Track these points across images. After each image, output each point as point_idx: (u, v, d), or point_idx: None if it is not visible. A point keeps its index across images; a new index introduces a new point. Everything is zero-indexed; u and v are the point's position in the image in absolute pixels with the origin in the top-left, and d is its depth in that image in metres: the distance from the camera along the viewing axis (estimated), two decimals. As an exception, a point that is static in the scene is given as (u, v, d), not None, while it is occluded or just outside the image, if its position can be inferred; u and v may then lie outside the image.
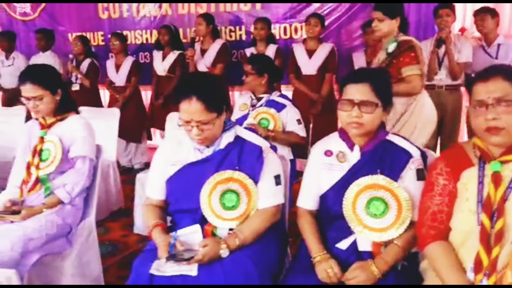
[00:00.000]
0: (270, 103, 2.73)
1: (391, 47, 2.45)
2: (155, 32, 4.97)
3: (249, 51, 4.10)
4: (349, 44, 4.24)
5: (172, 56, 4.37)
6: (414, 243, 1.42)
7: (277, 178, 1.60)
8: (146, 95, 4.94)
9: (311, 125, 3.13)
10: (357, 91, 1.42)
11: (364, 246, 1.45)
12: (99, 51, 5.06)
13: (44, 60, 4.74)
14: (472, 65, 3.43)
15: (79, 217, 2.17)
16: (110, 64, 4.63)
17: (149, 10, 4.97)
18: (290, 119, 2.70)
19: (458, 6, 3.67)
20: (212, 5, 4.64)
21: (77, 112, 2.23)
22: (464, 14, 3.90)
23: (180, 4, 4.80)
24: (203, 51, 4.20)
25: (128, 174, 4.38)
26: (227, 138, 1.61)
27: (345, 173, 1.51)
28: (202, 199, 1.55)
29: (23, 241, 1.83)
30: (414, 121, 2.43)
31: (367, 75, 1.46)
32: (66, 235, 2.07)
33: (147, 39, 5.06)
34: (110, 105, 4.69)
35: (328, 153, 1.55)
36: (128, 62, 4.52)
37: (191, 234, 1.54)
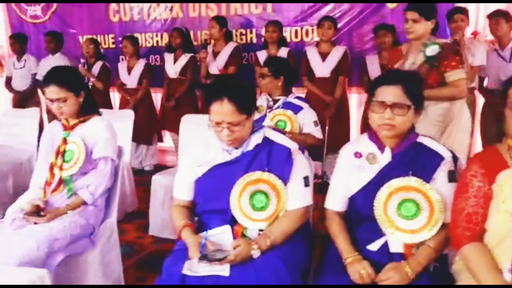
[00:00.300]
0: (287, 105, 2.74)
1: (432, 50, 2.34)
2: (165, 34, 4.99)
3: (260, 54, 4.12)
4: (360, 47, 4.25)
5: (184, 58, 4.39)
6: (446, 244, 1.43)
7: (306, 179, 1.61)
8: (156, 97, 4.96)
9: (326, 127, 3.15)
10: (390, 93, 1.43)
11: (395, 247, 1.45)
12: (109, 54, 5.09)
13: (54, 63, 4.75)
14: (486, 69, 3.44)
15: (101, 218, 2.18)
16: (122, 66, 4.65)
17: (160, 13, 4.99)
18: (307, 121, 2.71)
19: (470, 10, 3.69)
20: (223, 8, 4.66)
21: (99, 114, 2.24)
22: (476, 18, 3.91)
23: (191, 7, 4.82)
24: (216, 54, 4.22)
25: (138, 176, 4.39)
26: (256, 139, 1.62)
27: (375, 175, 1.51)
28: (232, 200, 1.56)
29: (48, 241, 1.84)
30: (455, 128, 2.37)
31: (399, 77, 1.47)
32: (89, 235, 2.08)
33: (157, 42, 5.08)
34: (121, 107, 4.71)
35: (357, 154, 1.56)
36: (140, 64, 4.55)
37: (221, 235, 1.55)
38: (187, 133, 3.37)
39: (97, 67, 4.67)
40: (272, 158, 1.59)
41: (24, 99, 4.99)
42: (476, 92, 3.73)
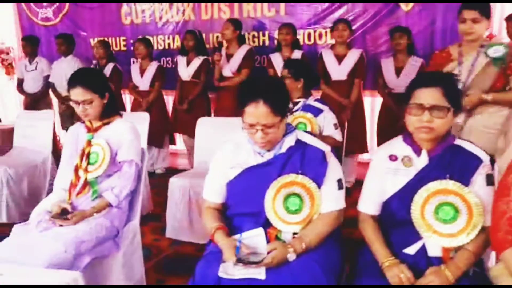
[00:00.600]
0: (307, 108, 2.73)
1: (496, 51, 2.24)
2: (177, 37, 5.00)
3: (274, 57, 4.11)
4: (374, 50, 4.25)
5: (197, 61, 4.39)
6: (485, 248, 1.42)
7: (339, 182, 1.60)
8: (168, 99, 4.96)
9: (345, 130, 3.14)
10: (428, 96, 1.42)
11: (433, 251, 1.44)
12: (120, 56, 5.10)
13: (67, 65, 4.77)
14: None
15: (124, 220, 2.17)
16: (134, 68, 4.65)
17: (172, 15, 5.00)
18: (327, 124, 2.71)
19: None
20: (236, 10, 4.67)
21: (120, 116, 2.24)
22: (491, 20, 3.90)
23: (203, 10, 4.83)
24: (229, 56, 4.22)
25: (150, 179, 4.38)
26: (289, 141, 1.61)
27: (411, 178, 1.50)
28: (266, 203, 1.55)
29: (75, 243, 1.84)
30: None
31: (438, 79, 1.45)
32: (114, 238, 2.07)
33: (169, 45, 5.09)
34: (133, 109, 4.71)
35: (392, 157, 1.55)
36: (152, 67, 4.55)
37: (254, 237, 1.54)
38: (203, 135, 3.37)
39: (108, 69, 4.67)
40: (305, 161, 1.58)
41: (35, 102, 5.00)
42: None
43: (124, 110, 4.83)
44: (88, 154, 2.09)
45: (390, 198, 1.54)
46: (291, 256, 1.46)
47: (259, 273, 1.42)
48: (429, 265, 1.42)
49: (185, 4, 4.88)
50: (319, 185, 1.56)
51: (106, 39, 5.11)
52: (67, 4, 5.48)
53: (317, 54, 4.21)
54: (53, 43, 5.52)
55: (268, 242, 1.52)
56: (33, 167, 3.60)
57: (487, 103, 2.35)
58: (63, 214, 1.97)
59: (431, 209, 1.44)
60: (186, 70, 4.43)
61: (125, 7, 5.19)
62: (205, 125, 3.41)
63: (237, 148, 1.68)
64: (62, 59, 4.86)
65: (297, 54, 4.02)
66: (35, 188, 3.59)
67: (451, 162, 1.47)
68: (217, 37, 4.80)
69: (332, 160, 1.61)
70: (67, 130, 4.91)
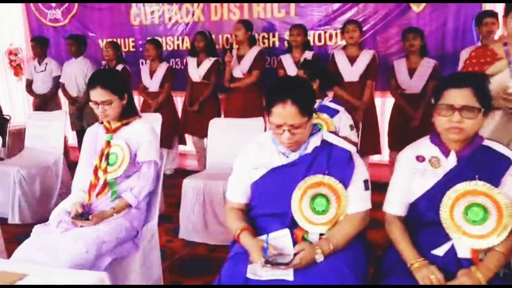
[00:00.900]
0: (323, 109, 2.72)
1: None
2: (186, 38, 5.00)
3: (285, 58, 4.11)
4: (385, 51, 4.24)
5: (208, 62, 4.39)
6: (516, 250, 1.40)
7: (366, 182, 1.59)
8: (177, 101, 4.96)
9: (359, 132, 3.14)
10: (459, 96, 1.41)
11: (463, 253, 1.43)
12: (128, 57, 5.10)
13: (77, 66, 4.79)
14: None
15: (143, 221, 2.17)
16: (144, 70, 4.65)
17: (181, 16, 5.00)
18: (343, 125, 2.70)
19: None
20: (246, 11, 4.66)
21: (139, 116, 2.23)
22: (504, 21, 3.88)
23: (213, 11, 4.83)
24: (240, 57, 4.22)
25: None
26: (314, 142, 1.60)
27: (439, 179, 1.49)
28: (293, 203, 1.54)
29: (97, 243, 1.84)
30: None
31: (469, 80, 1.44)
32: (133, 238, 2.07)
33: (178, 46, 5.09)
34: (142, 110, 4.69)
35: (420, 158, 1.53)
36: (162, 68, 4.55)
37: (280, 238, 1.53)
38: (215, 137, 3.37)
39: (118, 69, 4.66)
40: (332, 161, 1.57)
41: (45, 103, 5.00)
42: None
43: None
44: (107, 155, 2.09)
45: (417, 199, 1.53)
46: (319, 257, 1.45)
47: (287, 275, 1.41)
48: (459, 267, 1.41)
49: (195, 5, 4.88)
50: (345, 186, 1.55)
51: (114, 40, 5.11)
52: (76, 5, 5.48)
53: (327, 55, 4.21)
54: (62, 44, 5.56)
55: (294, 243, 1.51)
56: (45, 167, 3.60)
57: None
58: (82, 215, 1.96)
59: (460, 210, 1.42)
60: (196, 71, 4.43)
61: (134, 8, 5.20)
62: (217, 126, 3.41)
63: (260, 149, 1.67)
64: (73, 60, 4.86)
65: (308, 55, 4.01)
66: (47, 189, 3.59)
67: (480, 163, 1.46)
68: (227, 38, 4.81)
69: (358, 160, 1.60)
70: (76, 131, 4.96)
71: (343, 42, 4.03)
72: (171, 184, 4.06)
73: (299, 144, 1.58)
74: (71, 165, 4.07)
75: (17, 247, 1.83)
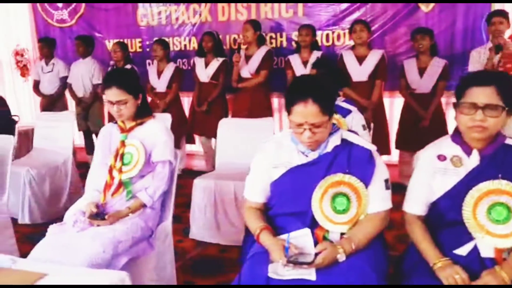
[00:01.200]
0: (335, 108, 2.70)
1: None
2: (194, 39, 5.00)
3: (293, 58, 4.11)
4: (393, 51, 4.23)
5: (216, 63, 4.38)
6: (540, 249, 1.39)
7: (386, 182, 1.58)
8: (184, 101, 4.95)
9: (371, 132, 3.12)
10: (482, 94, 1.40)
11: (486, 252, 1.42)
12: (135, 58, 5.09)
13: (85, 67, 4.80)
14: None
15: (157, 221, 2.17)
16: (152, 70, 4.65)
17: (188, 17, 4.99)
18: (356, 124, 2.68)
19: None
20: (253, 11, 4.66)
21: (153, 116, 2.23)
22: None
23: (220, 11, 4.82)
24: (248, 57, 4.21)
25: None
26: (334, 141, 1.60)
27: (462, 178, 1.48)
28: (313, 203, 1.54)
29: (113, 243, 1.83)
30: None
31: (492, 78, 1.43)
32: (148, 238, 2.07)
33: (185, 46, 5.08)
34: (150, 111, 4.69)
35: (441, 157, 1.52)
36: (170, 68, 4.55)
37: (301, 237, 1.52)
38: (224, 137, 3.36)
39: (126, 70, 4.66)
40: (352, 160, 1.56)
41: (52, 103, 5.00)
42: None
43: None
44: (122, 155, 2.08)
45: (439, 199, 1.52)
46: (341, 257, 1.45)
47: (310, 274, 1.40)
48: (482, 266, 1.40)
49: (202, 6, 4.88)
50: (366, 185, 1.55)
51: (121, 40, 5.11)
52: (82, 6, 5.49)
53: (335, 55, 4.21)
54: (69, 44, 5.56)
55: (315, 242, 1.51)
56: (55, 168, 3.60)
57: None
58: (98, 215, 1.96)
59: (483, 210, 1.42)
60: (204, 71, 4.43)
61: (141, 9, 5.20)
62: (226, 127, 3.40)
63: (279, 148, 1.66)
64: (80, 61, 4.86)
65: (316, 55, 4.00)
66: (57, 189, 3.59)
67: (503, 161, 1.44)
68: (234, 38, 4.80)
69: (378, 159, 1.60)
70: (83, 132, 4.96)
71: (351, 42, 4.02)
72: (180, 184, 4.01)
73: (319, 143, 1.58)
74: (78, 166, 4.08)
75: (28, 247, 1.84)
